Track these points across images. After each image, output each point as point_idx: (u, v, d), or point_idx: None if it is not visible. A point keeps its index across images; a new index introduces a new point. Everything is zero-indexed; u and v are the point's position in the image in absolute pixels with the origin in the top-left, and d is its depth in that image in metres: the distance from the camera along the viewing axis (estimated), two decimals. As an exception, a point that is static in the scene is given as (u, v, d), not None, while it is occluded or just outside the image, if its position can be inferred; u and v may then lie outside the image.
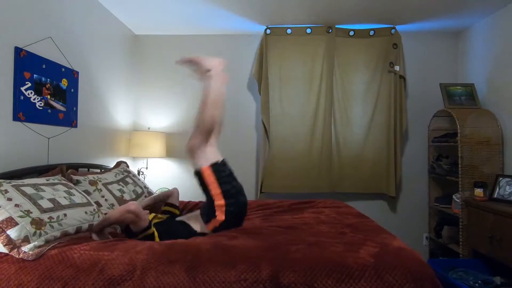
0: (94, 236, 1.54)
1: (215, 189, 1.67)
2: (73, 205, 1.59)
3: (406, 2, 2.67)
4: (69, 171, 1.99)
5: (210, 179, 1.68)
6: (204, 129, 1.69)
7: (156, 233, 1.60)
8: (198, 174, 1.72)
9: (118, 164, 2.60)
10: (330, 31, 3.14)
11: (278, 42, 3.18)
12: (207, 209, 1.71)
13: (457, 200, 2.67)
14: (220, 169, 1.72)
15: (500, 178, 2.51)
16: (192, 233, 1.67)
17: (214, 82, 1.73)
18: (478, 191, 2.50)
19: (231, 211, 1.67)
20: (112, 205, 1.99)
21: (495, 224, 2.25)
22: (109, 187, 2.11)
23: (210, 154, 1.74)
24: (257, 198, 3.15)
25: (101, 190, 2.01)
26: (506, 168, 2.62)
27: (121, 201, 2.09)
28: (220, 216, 1.65)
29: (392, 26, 3.13)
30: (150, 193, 2.55)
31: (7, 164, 1.76)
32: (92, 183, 2.00)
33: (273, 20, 3.07)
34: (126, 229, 1.61)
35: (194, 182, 3.28)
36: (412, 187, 3.24)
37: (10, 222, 1.31)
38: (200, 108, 1.73)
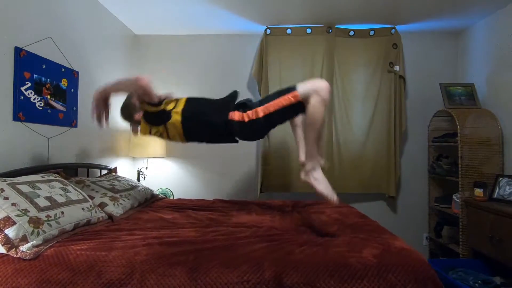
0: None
1: (272, 106, 1.64)
2: (69, 202, 1.60)
3: (406, 2, 2.67)
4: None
5: (282, 101, 1.63)
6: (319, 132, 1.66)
7: (176, 116, 1.74)
8: (292, 88, 1.65)
9: (109, 172, 2.61)
10: (330, 31, 3.14)
11: (278, 42, 3.18)
12: (243, 105, 1.74)
13: (457, 200, 2.67)
14: (295, 111, 1.68)
15: (500, 178, 2.51)
16: (224, 119, 1.72)
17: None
18: (478, 191, 2.50)
19: (254, 127, 1.68)
20: (105, 194, 2.00)
21: (495, 224, 2.25)
22: (98, 183, 2.13)
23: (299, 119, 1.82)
24: (257, 198, 3.15)
25: (89, 186, 2.02)
26: (506, 168, 2.63)
27: (113, 190, 2.09)
28: (246, 117, 1.67)
29: (392, 26, 3.13)
30: (147, 188, 2.54)
31: (7, 164, 1.75)
32: (79, 182, 2.01)
33: (273, 20, 3.07)
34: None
35: (193, 182, 3.31)
36: (412, 187, 3.24)
37: (8, 221, 1.30)
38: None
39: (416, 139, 3.25)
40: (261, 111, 1.66)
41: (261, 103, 1.70)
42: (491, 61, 2.83)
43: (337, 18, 3.01)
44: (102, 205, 1.88)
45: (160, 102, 1.79)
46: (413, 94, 3.26)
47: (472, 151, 2.63)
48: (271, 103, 1.65)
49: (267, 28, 3.16)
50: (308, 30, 3.17)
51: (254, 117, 1.66)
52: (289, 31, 3.17)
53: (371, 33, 3.16)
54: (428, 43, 3.27)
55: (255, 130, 1.74)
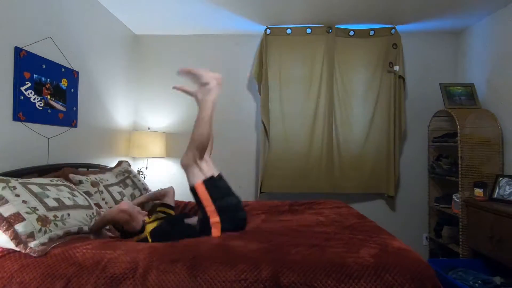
0: (92, 236, 1.55)
1: (209, 206, 1.64)
2: (76, 206, 1.61)
3: (406, 2, 2.67)
4: (69, 171, 1.99)
5: (204, 196, 1.65)
6: (199, 145, 1.68)
7: (150, 239, 1.60)
8: (193, 191, 1.69)
9: (120, 163, 2.60)
10: (330, 31, 3.14)
11: (278, 42, 3.18)
12: (202, 226, 1.66)
13: (457, 200, 2.67)
14: (214, 185, 1.69)
15: (500, 178, 2.51)
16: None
17: (211, 97, 1.72)
18: (478, 191, 2.50)
19: (227, 228, 1.63)
20: (111, 207, 2.00)
21: (495, 224, 2.25)
22: (110, 189, 2.13)
23: (205, 170, 1.71)
24: (257, 198, 3.15)
25: (102, 192, 2.02)
26: (506, 168, 2.62)
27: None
28: (216, 233, 1.61)
29: (392, 26, 3.13)
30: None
31: (7, 164, 1.76)
32: (94, 184, 2.01)
33: (273, 20, 3.07)
34: (121, 231, 1.64)
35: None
36: (412, 187, 3.24)
37: (18, 217, 1.33)
38: (196, 123, 1.71)
39: (416, 139, 3.25)
40: (210, 214, 1.63)
41: (204, 216, 1.65)
42: (491, 61, 2.82)
43: (337, 18, 3.01)
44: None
45: (143, 227, 1.69)
46: (413, 94, 3.26)
47: (472, 151, 2.63)
48: (205, 203, 1.65)
49: (267, 28, 3.16)
50: (308, 30, 3.17)
51: (217, 222, 1.62)
52: (289, 31, 3.17)
53: (371, 33, 3.16)
54: (428, 43, 3.27)
55: (233, 219, 1.69)
